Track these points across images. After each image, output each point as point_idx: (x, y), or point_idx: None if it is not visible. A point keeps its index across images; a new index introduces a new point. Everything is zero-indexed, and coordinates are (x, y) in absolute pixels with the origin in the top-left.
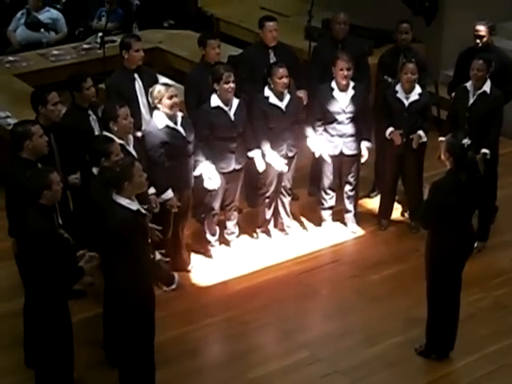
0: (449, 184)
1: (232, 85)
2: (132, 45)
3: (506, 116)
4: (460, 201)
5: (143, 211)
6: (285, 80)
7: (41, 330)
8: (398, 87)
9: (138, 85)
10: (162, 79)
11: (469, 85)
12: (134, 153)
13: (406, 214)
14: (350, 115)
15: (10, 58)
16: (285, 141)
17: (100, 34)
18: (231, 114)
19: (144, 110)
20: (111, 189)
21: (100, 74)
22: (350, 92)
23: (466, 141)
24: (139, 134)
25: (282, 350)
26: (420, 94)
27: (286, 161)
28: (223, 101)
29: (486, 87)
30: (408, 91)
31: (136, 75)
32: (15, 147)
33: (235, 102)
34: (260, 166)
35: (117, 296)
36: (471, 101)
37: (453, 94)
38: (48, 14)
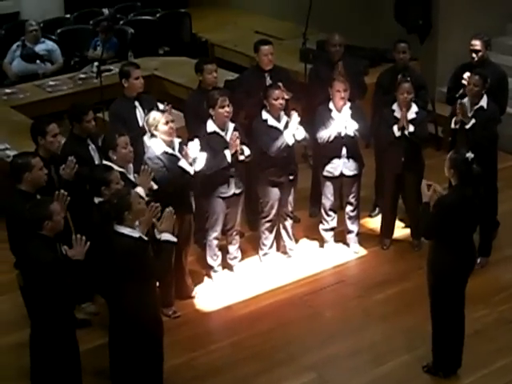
0: (455, 200)
1: (228, 109)
2: (131, 73)
3: (503, 130)
4: (465, 217)
5: (145, 238)
6: (281, 101)
7: (48, 361)
8: (395, 106)
9: (139, 112)
10: (161, 106)
11: (466, 100)
12: (134, 181)
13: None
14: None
15: (7, 91)
16: (286, 163)
17: (96, 64)
18: (227, 138)
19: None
20: (112, 220)
21: (97, 103)
22: (348, 112)
23: (470, 154)
24: None
25: (289, 373)
26: (417, 113)
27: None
28: (219, 125)
29: (483, 102)
30: (405, 110)
31: (137, 103)
32: (15, 179)
33: (231, 126)
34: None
35: (124, 324)
36: (469, 115)
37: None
38: (43, 46)
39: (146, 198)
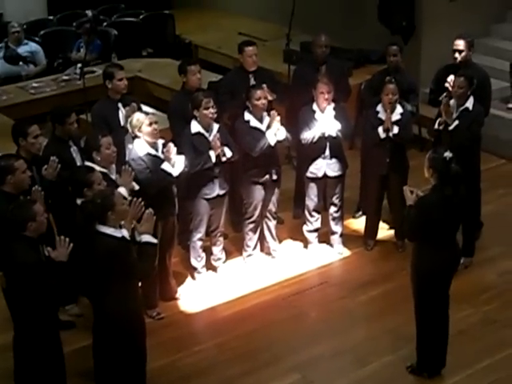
0: (435, 199)
1: (212, 110)
2: (115, 74)
3: (487, 131)
4: (446, 216)
5: (128, 238)
6: (263, 101)
7: (32, 363)
8: (380, 107)
9: (122, 114)
10: (144, 108)
11: (452, 101)
12: (117, 181)
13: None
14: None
15: None
16: (269, 163)
17: (79, 65)
18: (211, 139)
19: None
20: (95, 220)
21: (80, 104)
22: (331, 113)
23: (448, 154)
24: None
25: (273, 374)
26: (401, 114)
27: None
28: (204, 126)
29: (469, 104)
30: (390, 112)
31: (119, 104)
32: None
33: (215, 127)
34: None
35: (107, 325)
36: (454, 117)
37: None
38: (26, 47)
39: (129, 198)
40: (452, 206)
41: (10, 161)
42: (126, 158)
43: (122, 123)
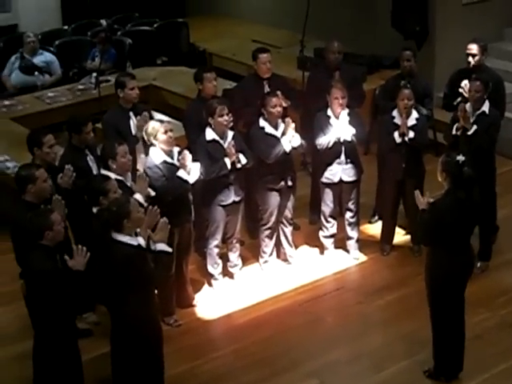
0: (448, 203)
1: (226, 117)
2: (127, 83)
3: (502, 135)
4: (460, 219)
5: (144, 246)
6: (278, 109)
7: (51, 371)
8: (395, 113)
9: (133, 123)
10: (158, 116)
11: (468, 106)
12: (133, 188)
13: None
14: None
15: (6, 102)
16: (284, 170)
17: (94, 75)
18: (226, 146)
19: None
20: (111, 228)
21: (96, 113)
22: (346, 118)
23: (461, 157)
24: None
25: (291, 380)
26: (417, 119)
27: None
28: (218, 134)
29: (485, 107)
30: (405, 117)
31: (131, 113)
32: (19, 190)
33: (230, 134)
34: None
35: (125, 333)
36: (471, 121)
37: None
38: (42, 57)
39: (145, 204)
40: (465, 209)
41: (30, 170)
42: (138, 167)
43: (133, 132)
